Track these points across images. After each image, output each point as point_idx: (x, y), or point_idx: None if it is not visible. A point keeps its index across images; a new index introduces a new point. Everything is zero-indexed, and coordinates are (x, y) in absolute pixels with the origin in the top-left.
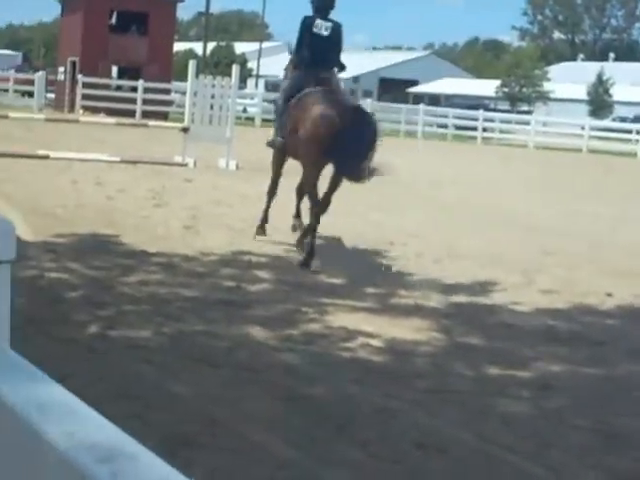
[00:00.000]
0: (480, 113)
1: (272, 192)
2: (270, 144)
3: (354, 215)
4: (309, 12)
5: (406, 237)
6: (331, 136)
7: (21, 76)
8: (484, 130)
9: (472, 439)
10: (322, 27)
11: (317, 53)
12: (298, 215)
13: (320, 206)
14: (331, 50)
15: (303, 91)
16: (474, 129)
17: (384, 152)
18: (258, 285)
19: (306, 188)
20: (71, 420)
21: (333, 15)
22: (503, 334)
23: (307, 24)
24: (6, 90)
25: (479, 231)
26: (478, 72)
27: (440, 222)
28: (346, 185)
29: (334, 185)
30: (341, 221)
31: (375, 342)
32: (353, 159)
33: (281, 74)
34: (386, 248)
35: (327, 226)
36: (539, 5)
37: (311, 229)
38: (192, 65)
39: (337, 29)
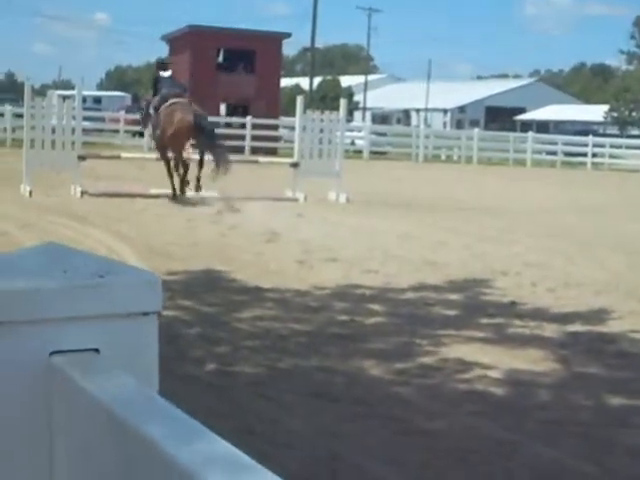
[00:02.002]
0: (589, 139)
1: (170, 173)
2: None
3: (463, 247)
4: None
5: (519, 266)
6: (189, 130)
7: (131, 116)
8: (594, 156)
9: (596, 471)
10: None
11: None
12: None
13: (186, 167)
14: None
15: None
16: (584, 155)
17: (491, 181)
18: (372, 318)
19: (179, 160)
20: (240, 475)
21: None
22: (622, 363)
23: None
24: (117, 131)
25: (593, 258)
26: (585, 97)
27: (552, 250)
28: (448, 219)
29: (201, 162)
30: (452, 253)
31: (492, 373)
32: (212, 143)
33: (387, 106)
34: (500, 278)
35: (439, 261)
36: None
37: (184, 178)
38: (300, 101)
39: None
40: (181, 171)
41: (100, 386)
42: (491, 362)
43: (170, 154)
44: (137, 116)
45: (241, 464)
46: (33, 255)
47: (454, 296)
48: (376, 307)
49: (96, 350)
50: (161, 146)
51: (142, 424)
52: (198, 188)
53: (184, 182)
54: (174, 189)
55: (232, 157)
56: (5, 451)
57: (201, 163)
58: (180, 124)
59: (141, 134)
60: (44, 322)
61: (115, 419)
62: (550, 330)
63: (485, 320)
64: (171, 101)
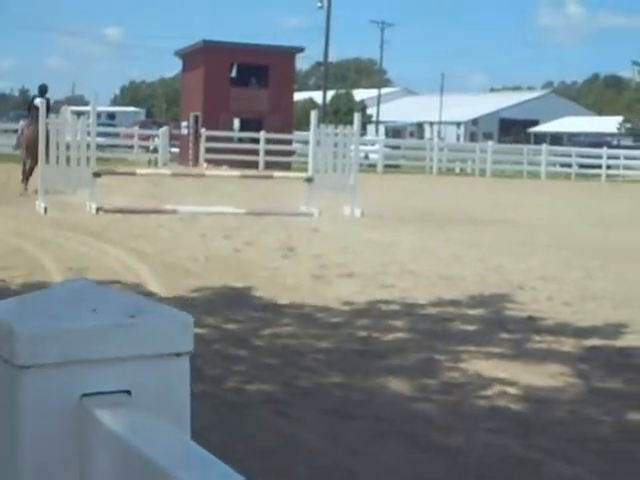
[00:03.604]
0: (604, 151)
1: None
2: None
3: (478, 261)
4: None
5: (535, 280)
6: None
7: (145, 132)
8: (608, 167)
9: None
10: (39, 102)
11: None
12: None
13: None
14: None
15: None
16: (598, 167)
17: (505, 194)
18: (391, 334)
19: (30, 166)
20: None
21: None
22: None
23: (32, 99)
24: (131, 146)
25: (609, 271)
26: (599, 109)
27: (568, 263)
28: (462, 232)
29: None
30: (467, 267)
31: (511, 389)
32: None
33: (400, 119)
34: (516, 292)
35: (454, 275)
36: None
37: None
38: (314, 115)
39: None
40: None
41: (132, 430)
42: (510, 378)
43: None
44: (151, 131)
45: None
46: (62, 294)
47: (471, 311)
48: (394, 323)
49: (127, 392)
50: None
51: (175, 470)
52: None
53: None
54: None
55: (248, 172)
56: None
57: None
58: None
59: (155, 150)
60: (74, 364)
61: (147, 464)
62: (568, 345)
63: (503, 335)
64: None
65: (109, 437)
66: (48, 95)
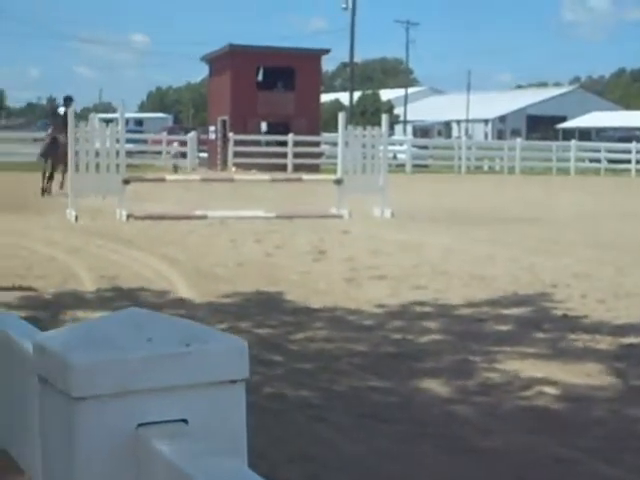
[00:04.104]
0: (633, 145)
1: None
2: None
3: (510, 260)
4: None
5: (568, 277)
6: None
7: (173, 137)
8: (638, 162)
9: None
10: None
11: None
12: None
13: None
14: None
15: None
16: (628, 162)
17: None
18: (425, 336)
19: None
20: None
21: None
22: None
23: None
24: (159, 152)
25: None
26: (626, 103)
27: (600, 260)
28: (493, 231)
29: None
30: (499, 266)
31: (548, 389)
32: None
33: (428, 118)
34: (549, 291)
35: (487, 275)
36: None
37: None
38: (342, 117)
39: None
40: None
41: (189, 459)
42: (547, 377)
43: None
44: (179, 137)
45: None
46: (116, 322)
47: (505, 311)
48: (428, 324)
49: (184, 421)
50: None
51: None
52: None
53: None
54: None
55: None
56: None
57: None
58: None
59: (183, 155)
60: (130, 394)
61: None
62: (604, 343)
63: (538, 334)
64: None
65: (166, 467)
66: (74, 105)
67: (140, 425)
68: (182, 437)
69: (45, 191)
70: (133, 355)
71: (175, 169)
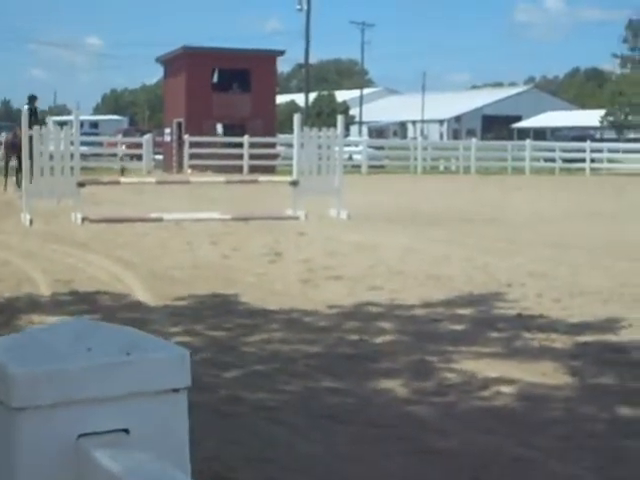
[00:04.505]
0: (587, 144)
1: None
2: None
3: (466, 260)
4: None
5: (523, 277)
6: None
7: (129, 140)
8: (592, 161)
9: None
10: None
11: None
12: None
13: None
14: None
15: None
16: (582, 161)
17: (490, 191)
18: (381, 337)
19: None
20: None
21: None
22: (635, 373)
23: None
24: (115, 155)
25: (596, 266)
26: (581, 103)
27: (555, 259)
28: (449, 231)
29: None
30: (455, 266)
31: (504, 388)
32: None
33: (383, 119)
34: (505, 290)
35: (442, 275)
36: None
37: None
38: (297, 118)
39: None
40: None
41: (130, 470)
42: (503, 377)
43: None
44: (135, 139)
45: None
46: (57, 332)
47: (461, 310)
48: (384, 325)
49: (125, 430)
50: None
51: None
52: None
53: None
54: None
55: (232, 177)
56: None
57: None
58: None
59: (138, 157)
60: (70, 404)
61: None
62: (560, 342)
63: (494, 334)
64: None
65: (107, 478)
66: (37, 104)
67: (81, 435)
68: (123, 447)
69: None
70: (73, 365)
71: (122, 171)
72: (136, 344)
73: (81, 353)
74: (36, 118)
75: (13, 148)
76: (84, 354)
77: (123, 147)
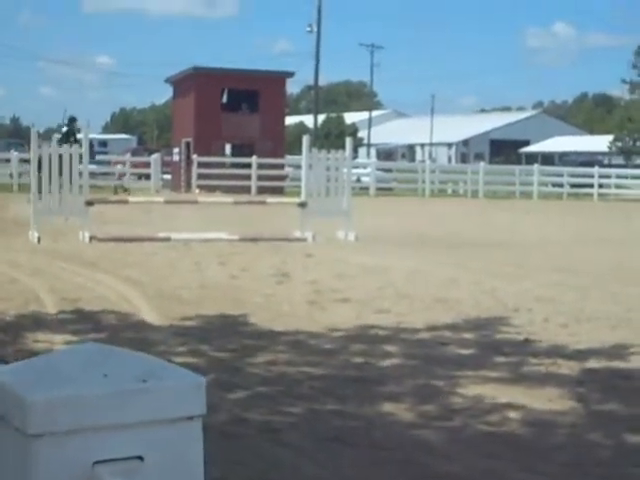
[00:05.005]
0: (595, 170)
1: None
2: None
3: (473, 283)
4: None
5: (530, 302)
6: None
7: (137, 159)
8: (600, 186)
9: None
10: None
11: None
12: None
13: None
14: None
15: None
16: (590, 186)
17: (498, 215)
18: (387, 360)
19: None
20: None
21: None
22: None
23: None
24: (123, 174)
25: (604, 291)
26: (589, 128)
27: (562, 284)
28: (456, 255)
29: None
30: (462, 290)
31: (510, 414)
32: None
33: (392, 141)
34: (512, 315)
35: (449, 298)
36: None
37: None
38: (306, 140)
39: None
40: None
41: None
42: (508, 402)
43: None
44: (143, 158)
45: None
46: (72, 358)
47: (467, 335)
48: (390, 348)
49: (140, 458)
50: None
51: None
52: None
53: None
54: None
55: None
56: None
57: None
58: None
59: (147, 176)
60: (86, 431)
61: None
62: (566, 367)
63: (500, 359)
64: None
65: None
66: (77, 125)
67: (96, 462)
68: (137, 475)
69: None
70: (89, 392)
71: (116, 190)
72: (152, 371)
73: (97, 379)
74: (75, 139)
75: None
76: (100, 380)
77: (119, 166)
